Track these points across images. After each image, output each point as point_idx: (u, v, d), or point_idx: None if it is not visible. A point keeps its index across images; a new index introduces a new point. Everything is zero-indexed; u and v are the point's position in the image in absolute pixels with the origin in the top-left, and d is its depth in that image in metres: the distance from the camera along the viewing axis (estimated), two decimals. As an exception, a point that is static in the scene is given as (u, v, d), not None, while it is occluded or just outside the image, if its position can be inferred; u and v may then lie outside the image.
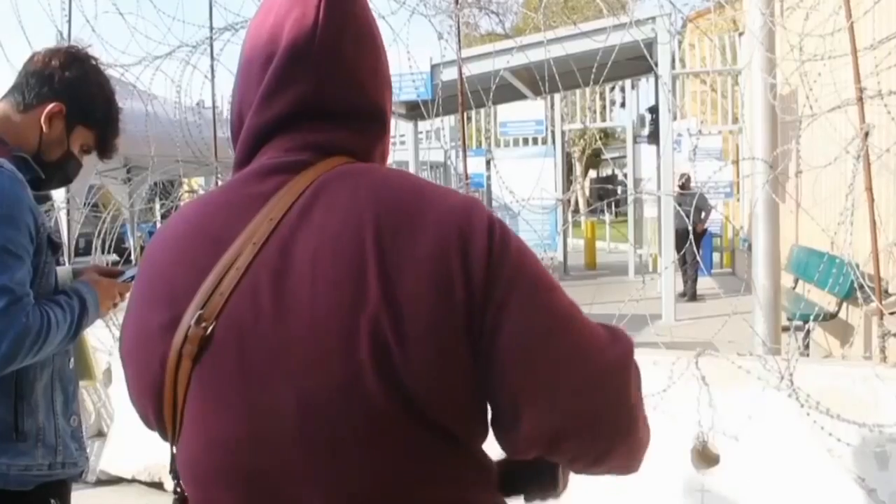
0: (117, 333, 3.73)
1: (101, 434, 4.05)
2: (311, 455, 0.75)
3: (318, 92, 0.85)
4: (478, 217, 0.78)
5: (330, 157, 0.84)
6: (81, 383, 1.80)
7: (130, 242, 7.72)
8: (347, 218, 0.78)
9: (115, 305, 1.77)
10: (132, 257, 5.57)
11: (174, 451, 0.84)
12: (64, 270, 1.70)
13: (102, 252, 4.31)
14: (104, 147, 1.73)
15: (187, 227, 0.86)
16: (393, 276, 0.74)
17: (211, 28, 3.89)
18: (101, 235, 4.31)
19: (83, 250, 8.82)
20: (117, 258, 4.66)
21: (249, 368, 0.76)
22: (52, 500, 1.59)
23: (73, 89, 1.62)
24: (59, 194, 4.30)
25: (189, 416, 0.80)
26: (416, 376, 0.74)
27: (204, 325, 0.77)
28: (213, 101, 4.20)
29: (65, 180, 1.74)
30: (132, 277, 1.81)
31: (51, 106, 1.59)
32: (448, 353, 0.75)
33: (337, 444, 0.75)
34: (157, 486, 3.75)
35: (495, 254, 0.76)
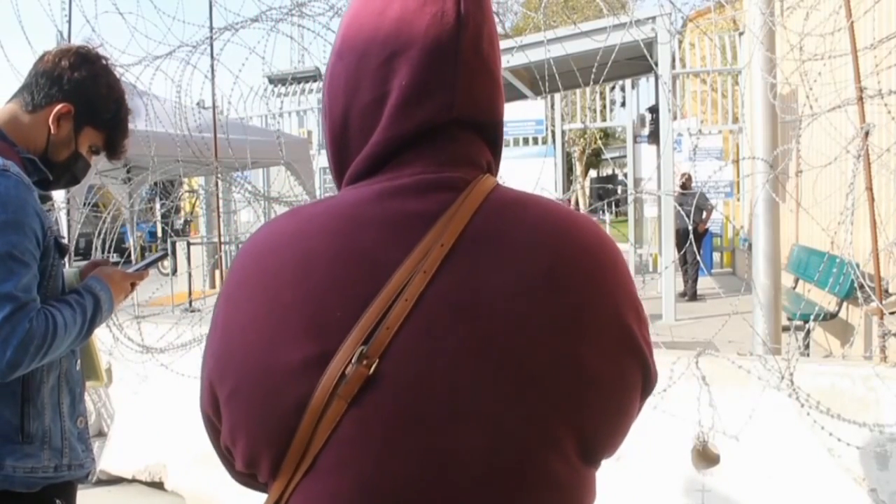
0: (117, 333, 3.77)
1: (101, 434, 4.05)
2: (494, 499, 0.70)
3: (465, 99, 0.76)
4: (635, 287, 0.82)
5: (482, 175, 0.78)
6: (88, 384, 1.80)
7: (130, 242, 7.72)
8: (534, 259, 0.72)
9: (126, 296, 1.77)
10: (132, 257, 5.57)
11: (283, 500, 0.74)
12: (70, 272, 1.71)
13: (102, 252, 4.31)
14: (113, 148, 1.72)
15: (325, 244, 0.73)
16: (593, 332, 0.73)
17: (211, 28, 3.89)
18: (101, 235, 4.32)
19: (83, 250, 8.84)
20: (118, 258, 4.67)
21: (427, 410, 0.69)
22: (58, 502, 1.59)
23: (82, 90, 1.61)
24: (59, 194, 4.31)
25: (332, 464, 0.70)
26: (597, 424, 0.75)
27: (366, 362, 0.68)
28: (213, 101, 4.20)
29: (73, 181, 1.73)
30: (145, 266, 1.83)
31: (59, 106, 1.59)
32: (629, 410, 0.79)
33: (519, 490, 0.71)
34: (158, 485, 3.75)
35: (648, 327, 0.82)
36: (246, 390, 0.73)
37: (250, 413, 0.73)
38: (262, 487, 0.79)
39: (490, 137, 0.81)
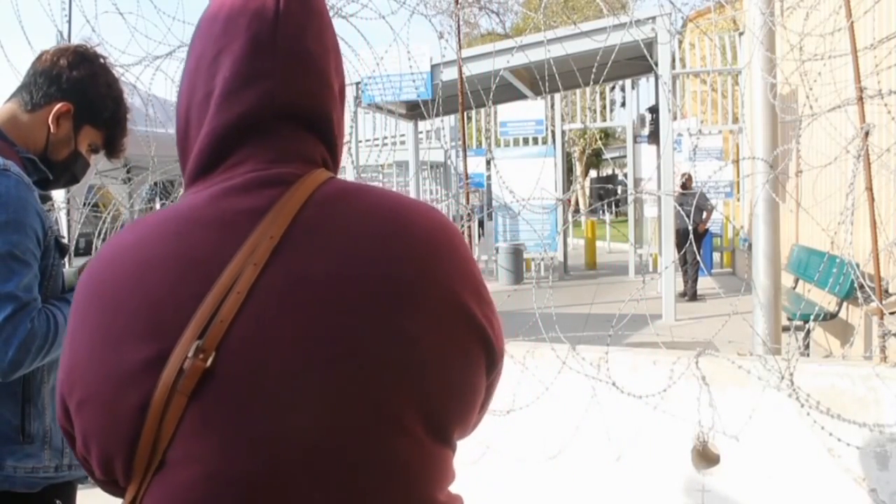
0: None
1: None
2: (335, 480, 0.72)
3: (286, 90, 0.79)
4: (478, 269, 0.84)
5: (315, 169, 0.80)
6: None
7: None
8: (364, 245, 0.75)
9: None
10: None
11: (138, 499, 0.75)
12: (70, 272, 1.71)
13: (102, 252, 4.31)
14: (112, 147, 1.72)
15: (160, 249, 0.75)
16: (427, 312, 0.76)
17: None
18: (101, 235, 4.31)
19: (83, 250, 8.84)
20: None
21: (266, 398, 0.71)
22: (58, 502, 1.59)
23: (81, 89, 1.61)
24: (58, 194, 4.31)
25: (180, 458, 0.72)
26: (441, 400, 0.77)
27: (203, 356, 0.70)
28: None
29: (72, 180, 1.73)
30: None
31: (58, 106, 1.59)
32: (473, 386, 0.81)
33: (358, 470, 0.73)
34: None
35: (496, 313, 0.84)
36: (92, 399, 0.75)
37: (98, 421, 0.75)
38: (123, 494, 0.80)
39: (323, 133, 0.83)
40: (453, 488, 0.84)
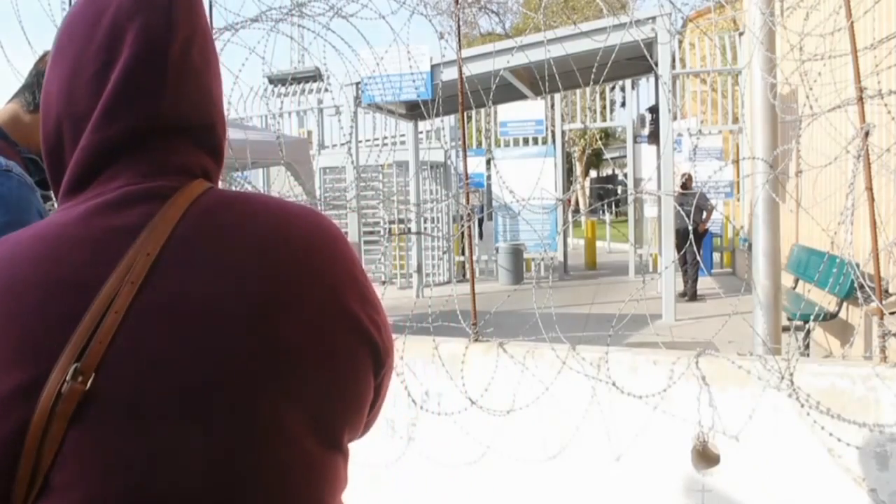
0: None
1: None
2: (226, 499, 0.71)
3: (173, 106, 0.78)
4: (362, 271, 0.84)
5: (193, 181, 0.79)
6: None
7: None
8: (244, 256, 0.75)
9: None
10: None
11: None
12: None
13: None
14: None
15: (32, 270, 0.72)
16: (308, 316, 0.76)
17: (211, 28, 3.87)
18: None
19: (83, 250, 8.84)
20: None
21: (146, 419, 0.70)
22: None
23: None
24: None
25: (63, 482, 0.70)
26: (329, 406, 0.77)
27: (81, 378, 0.68)
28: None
29: None
30: None
31: None
32: (360, 388, 0.81)
33: (254, 484, 0.72)
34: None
35: (382, 313, 0.84)
36: None
37: None
38: None
39: (207, 144, 0.83)
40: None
